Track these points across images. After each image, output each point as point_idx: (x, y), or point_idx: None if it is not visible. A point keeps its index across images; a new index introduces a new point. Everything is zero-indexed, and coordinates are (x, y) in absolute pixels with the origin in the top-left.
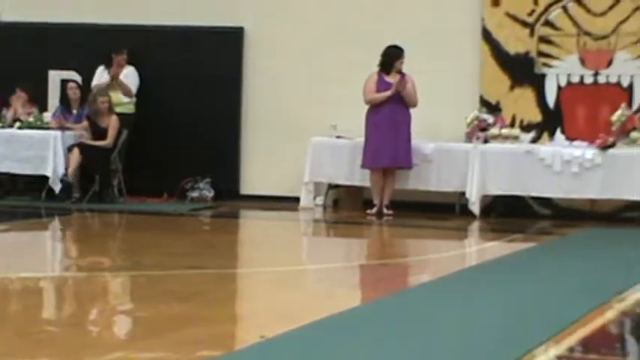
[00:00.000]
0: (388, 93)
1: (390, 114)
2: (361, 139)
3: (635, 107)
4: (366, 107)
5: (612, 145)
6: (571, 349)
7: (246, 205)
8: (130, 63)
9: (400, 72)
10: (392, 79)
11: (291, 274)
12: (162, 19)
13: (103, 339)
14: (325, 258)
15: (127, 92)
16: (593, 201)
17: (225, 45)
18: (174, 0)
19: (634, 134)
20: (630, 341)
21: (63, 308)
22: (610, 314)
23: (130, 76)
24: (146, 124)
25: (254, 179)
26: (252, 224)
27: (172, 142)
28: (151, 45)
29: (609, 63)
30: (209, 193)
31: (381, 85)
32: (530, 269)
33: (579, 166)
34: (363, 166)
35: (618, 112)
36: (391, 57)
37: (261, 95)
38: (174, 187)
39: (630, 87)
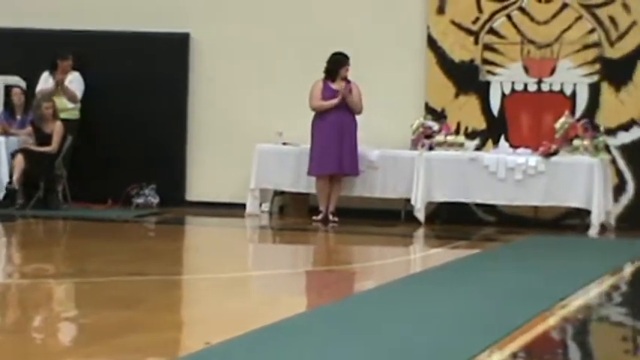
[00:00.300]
0: (334, 101)
1: (335, 121)
2: (307, 146)
3: (577, 115)
4: (312, 114)
5: (555, 153)
6: (514, 355)
7: (191, 212)
8: (75, 69)
9: (346, 79)
10: (337, 86)
11: (237, 280)
12: (108, 24)
13: (46, 346)
14: (271, 264)
15: (71, 98)
16: (536, 208)
17: (171, 51)
18: (120, 6)
19: (577, 142)
20: (572, 347)
21: (6, 315)
22: (552, 320)
23: (75, 81)
24: (91, 130)
25: (200, 186)
26: (198, 231)
27: (117, 149)
28: (96, 51)
29: (552, 71)
30: (154, 200)
31: (327, 92)
32: (474, 276)
33: (523, 173)
34: (309, 173)
35: (561, 120)
36: (336, 64)
37: (207, 101)
38: (119, 194)
39: (573, 95)
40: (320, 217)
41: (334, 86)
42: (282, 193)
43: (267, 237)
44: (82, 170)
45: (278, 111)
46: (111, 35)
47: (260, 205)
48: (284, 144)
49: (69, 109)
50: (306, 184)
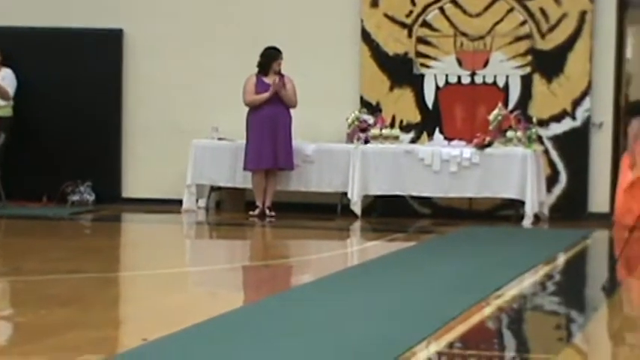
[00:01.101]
0: (266, 95)
1: (270, 115)
2: (243, 141)
3: (510, 107)
4: (247, 109)
5: (489, 145)
6: (450, 346)
7: (128, 209)
8: (7, 65)
9: (279, 73)
10: (270, 80)
11: (174, 276)
12: (40, 20)
13: None
14: (208, 260)
15: (3, 95)
16: (471, 199)
17: (105, 47)
18: (52, 1)
19: (510, 133)
20: (507, 336)
21: None
22: (487, 310)
23: (7, 78)
24: (25, 128)
25: (136, 182)
26: (134, 227)
27: (52, 146)
28: (29, 47)
29: (485, 63)
30: (90, 197)
31: (260, 87)
32: (410, 267)
33: (457, 165)
34: (245, 168)
35: (495, 112)
36: (268, 58)
37: (142, 97)
38: (55, 191)
39: (506, 87)
40: (257, 212)
41: (267, 80)
42: (219, 188)
43: (203, 232)
44: (17, 168)
45: (213, 106)
46: (44, 31)
47: (196, 200)
48: (220, 139)
49: (1, 107)
50: (243, 179)
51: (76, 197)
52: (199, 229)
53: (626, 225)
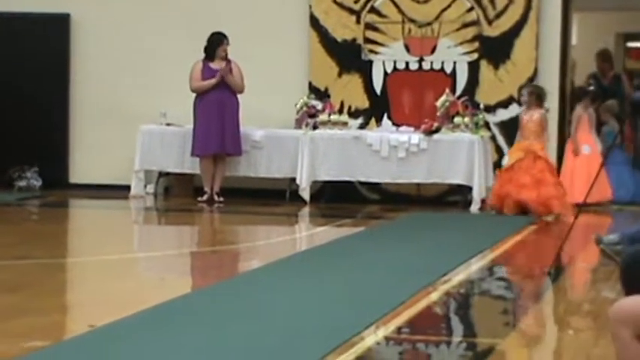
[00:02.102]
0: (213, 81)
1: (217, 101)
2: (191, 127)
3: (458, 93)
4: (195, 94)
5: (437, 130)
6: (399, 330)
7: (75, 194)
8: None
9: (225, 58)
10: (217, 65)
11: (122, 262)
12: None
13: None
14: (156, 246)
15: None
16: (419, 185)
17: (51, 31)
18: None
19: (457, 119)
20: (454, 320)
21: None
22: (435, 295)
23: None
24: None
25: (83, 168)
26: (82, 213)
27: None
28: None
29: (433, 49)
30: (37, 182)
31: (206, 73)
32: (358, 253)
33: (406, 151)
34: (192, 153)
35: (442, 98)
36: (213, 43)
37: (90, 82)
38: (1, 177)
39: (453, 73)
40: (205, 197)
41: (214, 66)
42: (167, 174)
43: (152, 218)
44: None
45: (161, 92)
46: None
47: (145, 186)
48: (168, 125)
49: None
50: (191, 165)
51: (22, 183)
52: (147, 214)
53: (497, 207)
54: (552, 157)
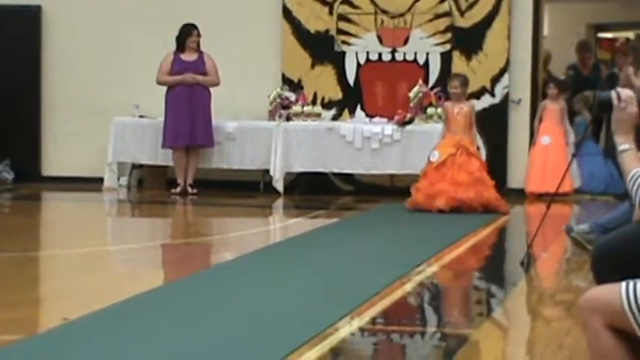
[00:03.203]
0: (178, 78)
1: (187, 93)
2: (163, 119)
3: (431, 84)
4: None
5: (410, 122)
6: (373, 321)
7: (48, 187)
8: None
9: (198, 50)
10: (188, 57)
11: (95, 255)
12: None
13: None
14: (129, 238)
15: None
16: (392, 176)
17: (23, 23)
18: None
19: (430, 110)
20: (428, 311)
21: None
22: (409, 286)
23: None
24: None
25: (56, 160)
26: (55, 206)
27: None
28: None
29: (406, 41)
30: (9, 175)
31: (177, 65)
32: (332, 244)
33: (379, 142)
34: (163, 145)
35: (415, 89)
36: (183, 35)
37: (62, 75)
38: None
39: (426, 64)
40: (178, 189)
41: (185, 58)
42: (140, 166)
43: (125, 211)
44: None
45: (134, 84)
46: None
47: (118, 178)
48: (141, 117)
49: None
50: (164, 157)
51: None
52: (121, 207)
53: (424, 206)
54: (524, 148)
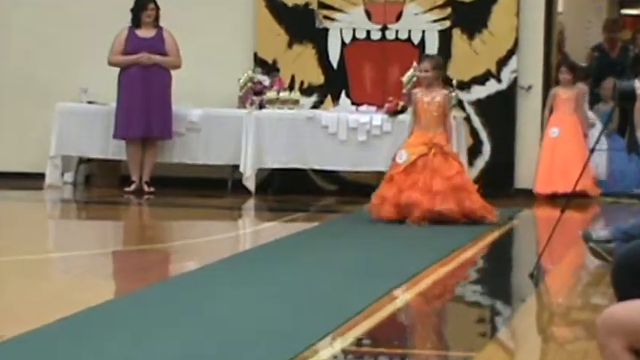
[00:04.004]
0: (131, 58)
1: (144, 75)
2: (115, 105)
3: None
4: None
5: (403, 110)
6: (358, 342)
7: None
8: None
9: (157, 25)
10: (145, 33)
11: (36, 264)
12: None
13: None
14: (76, 244)
15: None
16: (382, 174)
17: None
18: None
19: None
20: (423, 331)
21: None
22: (400, 301)
23: None
24: None
25: None
26: None
27: None
28: None
29: (398, 16)
30: None
31: (132, 42)
32: (312, 252)
33: (367, 134)
34: (114, 136)
35: (409, 73)
36: (138, 7)
37: None
38: None
39: (422, 44)
40: (133, 187)
41: (141, 34)
42: (88, 160)
43: (71, 212)
44: None
45: (82, 64)
46: None
47: (62, 174)
48: (90, 103)
49: None
50: (116, 150)
51: None
52: (66, 207)
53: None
54: (535, 143)
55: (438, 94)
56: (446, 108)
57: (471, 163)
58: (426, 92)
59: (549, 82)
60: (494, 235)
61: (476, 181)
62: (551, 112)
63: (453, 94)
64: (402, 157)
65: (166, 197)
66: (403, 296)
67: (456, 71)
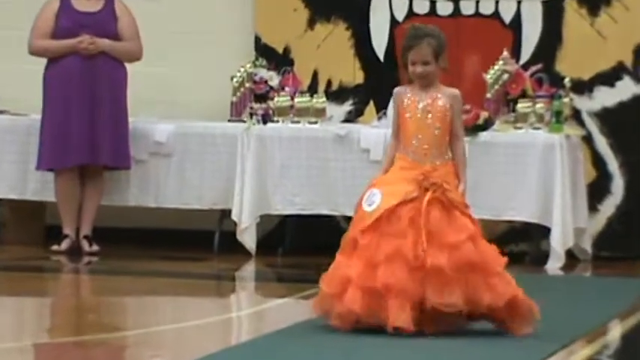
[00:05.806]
0: (65, 43)
1: (83, 69)
2: (39, 117)
3: (525, 58)
4: (44, 60)
5: (486, 126)
6: None
7: None
8: None
9: None
10: (86, 6)
11: None
12: None
13: None
14: None
15: None
16: None
17: None
18: None
19: (523, 105)
20: None
21: None
22: None
23: None
24: None
25: None
26: None
27: None
28: None
29: None
30: None
31: (65, 19)
32: (343, 349)
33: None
34: (39, 166)
35: (496, 67)
36: None
37: None
38: None
39: (517, 22)
40: (65, 245)
41: (80, 7)
42: None
43: None
44: None
45: None
46: None
47: None
48: (1, 113)
49: None
50: (40, 187)
51: None
52: None
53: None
54: None
55: (442, 95)
56: (455, 117)
57: (593, 207)
58: (419, 92)
59: None
60: (630, 320)
61: (600, 236)
62: None
63: (566, 99)
64: (374, 202)
65: (117, 260)
66: None
67: (570, 65)
